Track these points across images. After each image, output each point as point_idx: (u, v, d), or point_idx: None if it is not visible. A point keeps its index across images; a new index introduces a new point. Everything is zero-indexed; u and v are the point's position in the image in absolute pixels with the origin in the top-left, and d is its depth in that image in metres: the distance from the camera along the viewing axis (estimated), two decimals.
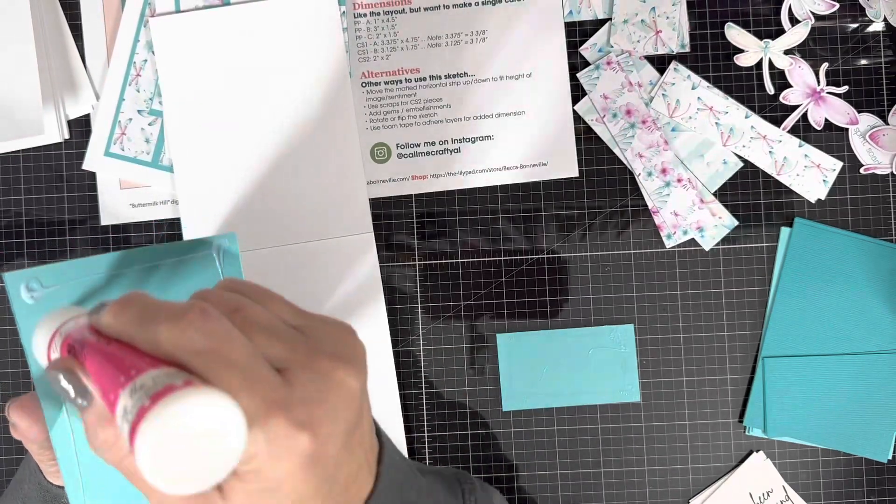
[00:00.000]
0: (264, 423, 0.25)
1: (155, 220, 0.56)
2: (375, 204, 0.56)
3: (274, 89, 0.55)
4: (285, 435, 0.25)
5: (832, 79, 0.56)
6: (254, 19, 0.55)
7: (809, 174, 0.56)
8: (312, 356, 0.28)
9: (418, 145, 0.56)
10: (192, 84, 0.55)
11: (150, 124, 0.56)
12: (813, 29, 0.55)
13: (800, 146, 0.55)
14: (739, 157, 0.56)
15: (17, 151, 0.56)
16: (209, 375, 0.25)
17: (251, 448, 0.25)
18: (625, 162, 0.56)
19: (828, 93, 0.55)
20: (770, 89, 0.55)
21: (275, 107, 0.55)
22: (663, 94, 0.55)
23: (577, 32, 0.56)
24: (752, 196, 0.56)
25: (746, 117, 0.55)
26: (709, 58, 0.56)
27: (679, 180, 0.55)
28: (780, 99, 0.55)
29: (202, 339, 0.25)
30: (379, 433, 0.34)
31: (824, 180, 0.56)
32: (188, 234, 0.55)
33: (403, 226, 0.56)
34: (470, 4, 0.56)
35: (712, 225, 0.55)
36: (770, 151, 0.55)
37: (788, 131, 0.56)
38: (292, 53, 0.55)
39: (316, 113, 0.55)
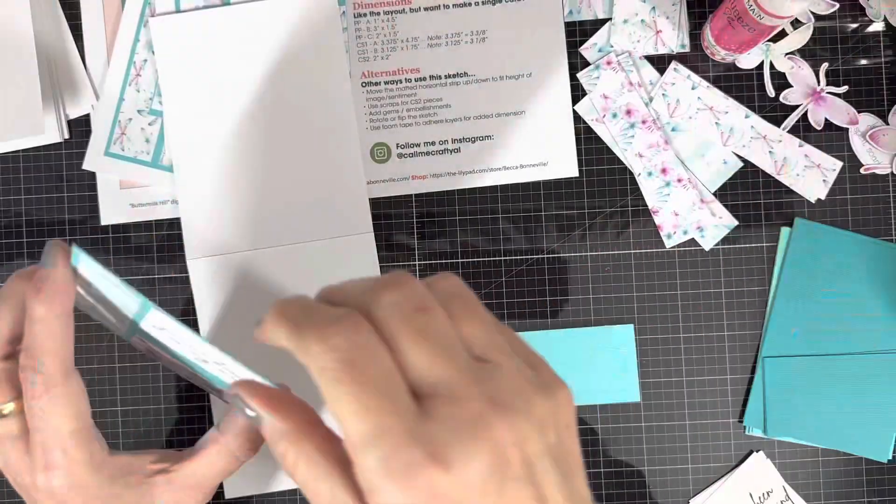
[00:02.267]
0: (376, 448, 0.24)
1: (155, 220, 0.56)
2: (375, 204, 0.56)
3: (274, 89, 0.55)
4: (408, 463, 0.23)
5: (832, 79, 0.56)
6: (254, 19, 0.55)
7: (809, 174, 0.55)
8: (468, 393, 0.24)
9: (418, 145, 0.56)
10: (192, 84, 0.55)
11: (150, 124, 0.56)
12: (813, 29, 0.55)
13: (800, 146, 0.55)
14: (739, 157, 0.56)
15: (17, 151, 0.56)
16: (329, 389, 0.24)
17: (366, 473, 0.24)
18: (625, 162, 0.56)
19: (828, 93, 0.55)
20: (771, 92, 0.55)
21: (275, 106, 0.55)
22: (663, 94, 0.55)
23: (577, 32, 0.56)
24: (752, 196, 0.56)
25: (746, 117, 0.55)
26: (709, 58, 0.56)
27: (679, 180, 0.55)
28: (780, 99, 0.55)
29: (341, 351, 0.25)
30: None
31: (824, 180, 0.55)
32: (188, 234, 0.55)
33: (403, 226, 0.56)
34: (470, 4, 0.55)
35: (712, 225, 0.55)
36: (770, 151, 0.55)
37: (788, 131, 0.56)
38: (292, 53, 0.55)
39: (316, 113, 0.55)
